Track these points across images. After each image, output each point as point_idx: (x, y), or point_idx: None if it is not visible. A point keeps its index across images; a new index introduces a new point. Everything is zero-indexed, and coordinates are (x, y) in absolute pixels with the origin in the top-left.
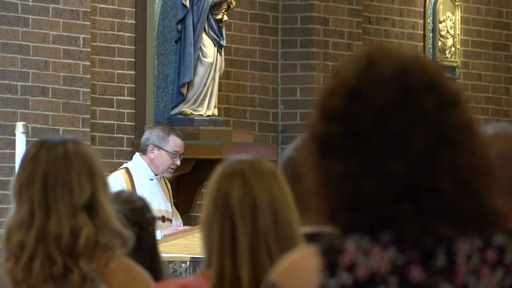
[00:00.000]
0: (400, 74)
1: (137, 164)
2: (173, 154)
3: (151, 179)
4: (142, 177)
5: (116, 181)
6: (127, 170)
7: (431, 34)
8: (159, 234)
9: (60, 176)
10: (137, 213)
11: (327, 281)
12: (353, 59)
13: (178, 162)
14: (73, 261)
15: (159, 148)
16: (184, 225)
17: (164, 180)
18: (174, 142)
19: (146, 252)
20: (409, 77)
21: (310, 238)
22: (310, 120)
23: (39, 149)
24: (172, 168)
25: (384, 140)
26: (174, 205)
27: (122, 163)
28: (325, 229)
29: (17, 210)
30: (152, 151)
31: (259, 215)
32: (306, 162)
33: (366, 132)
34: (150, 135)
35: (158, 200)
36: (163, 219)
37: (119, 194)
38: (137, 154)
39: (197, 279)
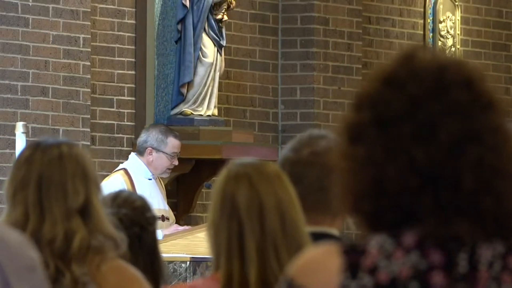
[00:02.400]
0: (438, 68)
1: (135, 164)
2: (172, 156)
3: (149, 179)
4: (141, 177)
5: (117, 183)
6: (126, 171)
7: (431, 34)
8: (160, 234)
9: (55, 179)
10: (138, 213)
11: (348, 282)
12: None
13: (175, 162)
14: (65, 264)
15: (158, 150)
16: (183, 225)
17: (159, 179)
18: (172, 144)
19: (146, 251)
20: (446, 72)
21: (315, 237)
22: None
23: (34, 152)
24: (170, 169)
25: (411, 128)
26: (174, 205)
27: (122, 163)
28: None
29: (10, 212)
30: (150, 153)
31: (266, 217)
32: (335, 153)
33: (394, 120)
34: (148, 137)
35: (158, 200)
36: (163, 218)
37: (118, 194)
38: (133, 154)
39: (206, 281)
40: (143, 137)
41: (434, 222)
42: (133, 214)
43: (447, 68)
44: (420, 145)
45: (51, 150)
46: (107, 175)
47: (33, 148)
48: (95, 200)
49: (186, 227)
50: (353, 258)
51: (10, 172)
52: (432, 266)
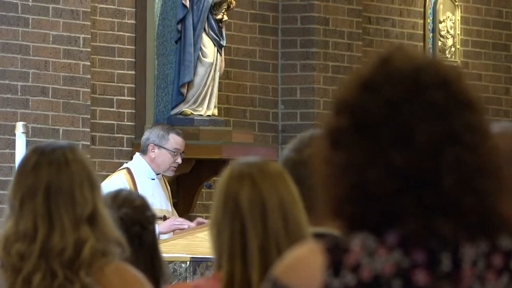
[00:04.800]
0: (414, 70)
1: (138, 164)
2: (174, 152)
3: (152, 179)
4: (143, 177)
5: (119, 182)
6: (129, 170)
7: (431, 34)
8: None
9: (63, 188)
10: (138, 212)
11: (330, 280)
12: (373, 58)
13: (179, 160)
14: (74, 273)
15: (160, 147)
16: None
17: (164, 180)
18: (175, 140)
19: (147, 250)
20: (422, 73)
21: (317, 238)
22: (326, 117)
23: (39, 158)
24: (174, 167)
25: (389, 132)
26: (174, 205)
27: (122, 163)
28: (331, 230)
29: (17, 222)
30: (153, 150)
31: (269, 217)
32: (316, 158)
33: (373, 124)
34: (150, 134)
35: (160, 200)
36: (165, 218)
37: (118, 193)
38: (137, 154)
39: (208, 281)
40: (146, 135)
41: (416, 223)
42: (133, 213)
43: (423, 70)
44: (398, 149)
45: (57, 156)
46: (107, 175)
47: (38, 154)
48: (101, 206)
49: (184, 220)
50: (336, 256)
51: (15, 179)
52: (415, 264)
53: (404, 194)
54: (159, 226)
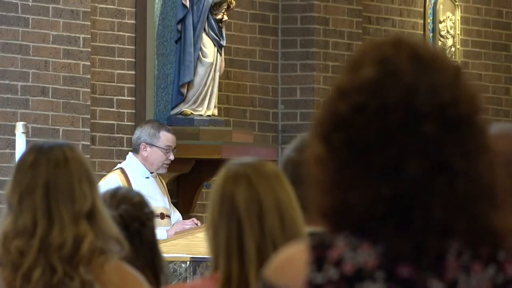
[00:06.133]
0: (410, 94)
1: (132, 163)
2: (166, 150)
3: (146, 177)
4: (137, 176)
5: (113, 182)
6: (122, 170)
7: (431, 34)
8: (164, 234)
9: (62, 184)
10: (137, 209)
11: (314, 275)
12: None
13: (171, 157)
14: (73, 268)
15: (151, 145)
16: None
17: (159, 177)
18: (166, 137)
19: (147, 247)
20: (417, 98)
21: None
22: (319, 115)
23: (37, 156)
24: (167, 164)
25: (379, 161)
26: (174, 204)
27: (120, 163)
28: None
29: (16, 218)
30: (144, 149)
31: (265, 217)
32: (310, 154)
33: (364, 149)
34: (141, 133)
35: (156, 198)
36: (162, 216)
37: (116, 191)
38: (130, 153)
39: (205, 281)
40: (136, 134)
41: (401, 240)
42: (133, 210)
43: (418, 94)
44: (386, 179)
45: (55, 154)
46: (105, 175)
47: (36, 152)
48: (99, 203)
49: (193, 220)
50: (320, 252)
51: (13, 177)
52: (399, 256)
53: (389, 219)
54: (169, 230)
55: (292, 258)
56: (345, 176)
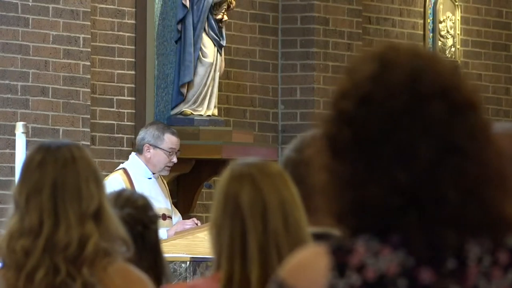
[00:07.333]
0: (412, 79)
1: (134, 164)
2: (169, 152)
3: (149, 178)
4: (140, 176)
5: (116, 183)
6: (125, 170)
7: (431, 34)
8: (164, 234)
9: (69, 184)
10: (140, 212)
11: (336, 281)
12: (366, 58)
13: (174, 159)
14: (77, 269)
15: (155, 147)
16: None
17: (161, 178)
18: (170, 140)
19: (150, 250)
20: (421, 82)
21: (317, 238)
22: (323, 118)
23: (45, 155)
24: (169, 166)
25: (391, 148)
26: (174, 204)
27: (122, 163)
28: (330, 229)
29: (23, 218)
30: (148, 150)
31: (269, 217)
32: (316, 159)
33: (374, 139)
34: (145, 134)
35: (158, 199)
36: (164, 217)
37: (120, 193)
38: (133, 154)
39: (207, 281)
40: (141, 134)
41: (419, 235)
42: (136, 213)
43: (422, 77)
44: (401, 166)
45: (63, 153)
46: (107, 175)
47: (43, 151)
48: (106, 203)
49: (193, 220)
50: (341, 257)
51: (21, 176)
52: (420, 262)
53: (408, 209)
54: (170, 230)
55: (310, 262)
56: (359, 171)
